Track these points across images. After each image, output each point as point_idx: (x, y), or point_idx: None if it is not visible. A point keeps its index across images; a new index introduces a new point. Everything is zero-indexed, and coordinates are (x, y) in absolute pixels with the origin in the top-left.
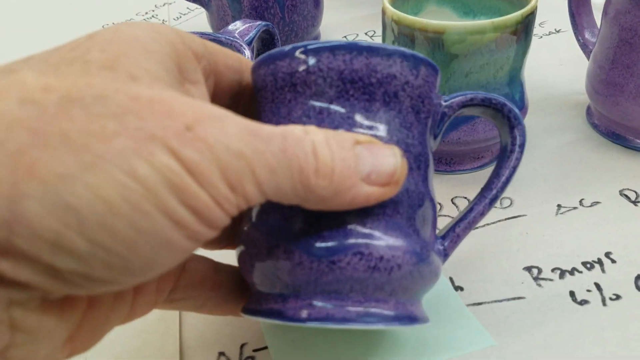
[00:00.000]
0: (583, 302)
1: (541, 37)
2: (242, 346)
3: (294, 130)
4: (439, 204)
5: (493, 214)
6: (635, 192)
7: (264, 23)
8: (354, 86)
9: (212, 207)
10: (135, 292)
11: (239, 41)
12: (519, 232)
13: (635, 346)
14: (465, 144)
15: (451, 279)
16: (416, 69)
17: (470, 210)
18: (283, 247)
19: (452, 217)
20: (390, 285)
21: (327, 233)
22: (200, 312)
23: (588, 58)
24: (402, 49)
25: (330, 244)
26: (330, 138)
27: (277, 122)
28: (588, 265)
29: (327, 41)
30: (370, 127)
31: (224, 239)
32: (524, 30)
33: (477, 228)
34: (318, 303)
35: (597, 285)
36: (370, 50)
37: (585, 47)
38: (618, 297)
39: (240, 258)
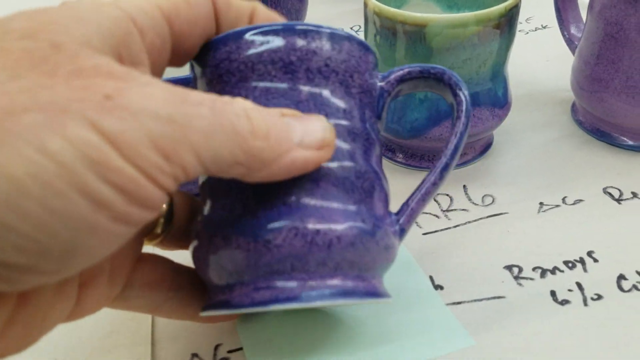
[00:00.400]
0: (564, 302)
1: (527, 32)
2: (216, 347)
3: (222, 97)
4: None
5: (474, 212)
6: (619, 190)
7: None
8: (274, 67)
9: (142, 182)
10: (82, 286)
11: None
12: (500, 230)
13: (617, 346)
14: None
15: (431, 278)
16: (338, 44)
17: (422, 182)
18: (221, 235)
19: (435, 215)
20: (332, 259)
21: (261, 213)
22: (157, 314)
23: (574, 54)
24: (323, 27)
25: (263, 223)
26: (257, 107)
27: None
28: (570, 265)
29: (245, 27)
30: (296, 104)
31: (183, 238)
32: (507, 24)
33: (457, 226)
34: (261, 285)
35: (579, 285)
36: (287, 30)
37: (570, 42)
38: (600, 297)
39: (192, 254)
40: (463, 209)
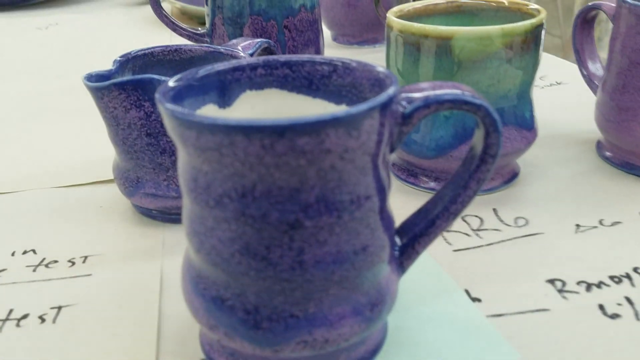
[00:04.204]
0: (614, 316)
1: (542, 87)
2: None
3: None
4: None
5: (507, 232)
6: None
7: (264, 40)
8: (279, 170)
9: None
10: None
11: (239, 51)
12: (537, 248)
13: None
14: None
15: (467, 291)
16: (357, 128)
17: (431, 224)
18: (224, 331)
19: (464, 233)
20: (340, 350)
21: (266, 324)
22: None
23: (594, 92)
24: (338, 113)
25: (270, 336)
26: None
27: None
28: (616, 280)
29: (238, 121)
30: (302, 210)
31: None
32: (533, 41)
33: (490, 244)
34: None
35: (628, 299)
36: (293, 130)
37: (590, 81)
38: None
39: (184, 295)
40: (495, 229)
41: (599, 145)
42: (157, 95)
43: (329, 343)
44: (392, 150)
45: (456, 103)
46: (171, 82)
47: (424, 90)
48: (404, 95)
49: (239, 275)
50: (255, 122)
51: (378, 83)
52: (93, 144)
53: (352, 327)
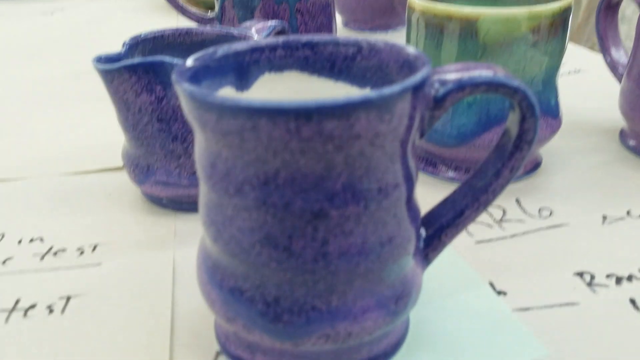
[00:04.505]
0: None
1: (561, 75)
2: None
3: None
4: None
5: (531, 223)
6: None
7: (278, 21)
8: (305, 156)
9: None
10: None
11: (252, 34)
12: (563, 239)
13: None
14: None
15: (491, 284)
16: (390, 112)
17: (459, 215)
18: (242, 323)
19: (487, 224)
20: (362, 344)
21: (287, 317)
22: None
23: (619, 79)
24: (370, 94)
25: (291, 329)
26: None
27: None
28: None
29: (262, 103)
30: (328, 199)
31: None
32: (561, 25)
33: (514, 236)
34: None
35: None
36: (322, 112)
37: (614, 68)
38: None
39: (200, 286)
40: (518, 220)
41: (622, 134)
42: (174, 76)
43: (351, 337)
44: (421, 136)
45: (492, 85)
46: (189, 62)
47: (457, 72)
48: (436, 77)
49: (259, 266)
50: (281, 104)
51: (407, 64)
52: (102, 131)
53: (376, 321)
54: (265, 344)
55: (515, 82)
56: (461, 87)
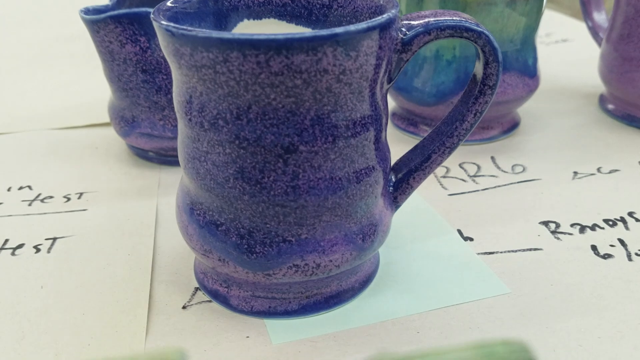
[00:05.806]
0: (607, 256)
1: (548, 44)
2: None
3: None
4: (446, 167)
5: (504, 178)
6: None
7: None
8: (274, 90)
9: None
10: None
11: None
12: (533, 193)
13: None
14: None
15: (459, 231)
16: (355, 49)
17: (427, 159)
18: (217, 256)
19: (461, 179)
20: (331, 278)
21: (259, 249)
22: None
23: (599, 44)
24: (337, 29)
25: (263, 260)
26: None
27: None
28: (610, 223)
29: (233, 35)
30: (297, 134)
31: None
32: None
33: (486, 189)
34: (259, 295)
35: (621, 241)
36: (290, 46)
37: (595, 33)
38: None
39: (179, 224)
40: (492, 175)
41: (602, 99)
42: (152, 15)
43: (320, 269)
44: (390, 80)
45: (457, 29)
46: (168, 3)
47: (425, 17)
48: (404, 22)
49: (232, 199)
50: (251, 37)
51: (379, 10)
52: (90, 90)
53: (344, 255)
54: (239, 277)
55: (479, 27)
56: (427, 30)
